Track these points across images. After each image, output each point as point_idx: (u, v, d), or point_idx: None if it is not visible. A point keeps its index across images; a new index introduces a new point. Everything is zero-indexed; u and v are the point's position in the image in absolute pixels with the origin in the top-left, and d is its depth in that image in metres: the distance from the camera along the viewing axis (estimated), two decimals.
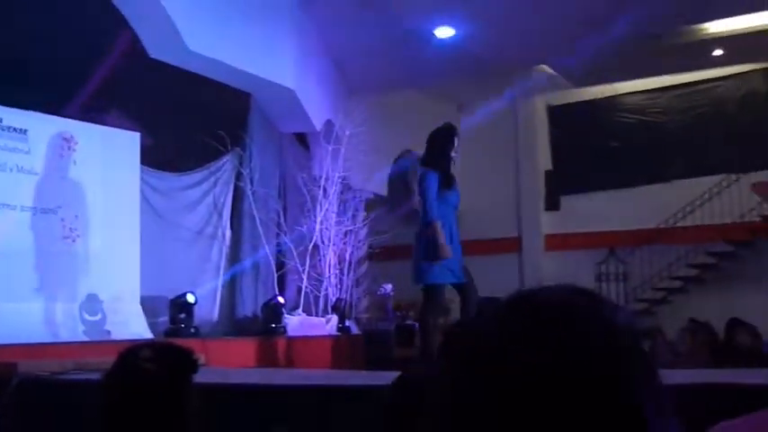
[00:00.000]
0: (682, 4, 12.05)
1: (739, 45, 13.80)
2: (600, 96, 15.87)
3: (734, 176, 14.06)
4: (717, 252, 14.45)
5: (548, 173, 16.62)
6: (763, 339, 10.33)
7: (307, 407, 5.25)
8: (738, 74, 15.25)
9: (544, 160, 16.65)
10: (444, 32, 12.13)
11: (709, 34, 13.65)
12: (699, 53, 14.15)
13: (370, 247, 13.21)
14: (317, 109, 12.19)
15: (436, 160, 7.19)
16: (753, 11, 12.76)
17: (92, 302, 8.95)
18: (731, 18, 13.06)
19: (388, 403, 3.14)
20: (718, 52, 14.31)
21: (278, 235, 11.97)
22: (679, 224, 14.52)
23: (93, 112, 9.29)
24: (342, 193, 12.48)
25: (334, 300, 12.12)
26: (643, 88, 15.89)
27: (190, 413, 2.32)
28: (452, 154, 7.17)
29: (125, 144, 9.63)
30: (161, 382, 2.27)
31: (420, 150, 15.64)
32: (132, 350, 2.34)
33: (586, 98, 16.06)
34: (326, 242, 12.19)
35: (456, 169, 17.03)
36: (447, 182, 7.13)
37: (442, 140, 7.27)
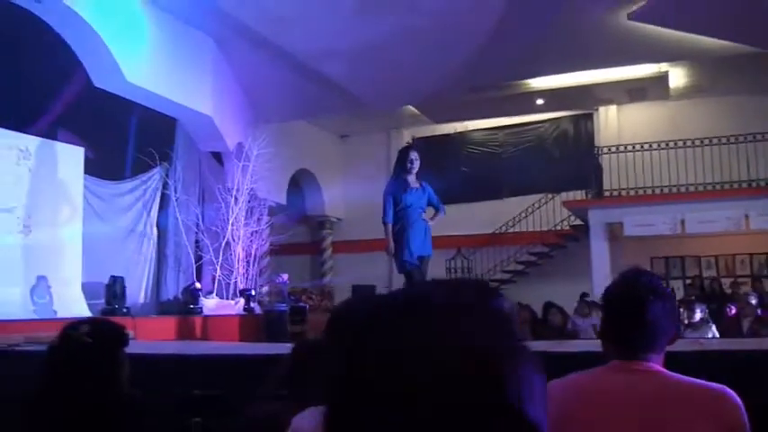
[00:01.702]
0: (513, 65, 12.36)
1: (555, 97, 14.22)
2: (453, 132, 16.02)
3: (550, 195, 14.40)
4: (537, 252, 14.74)
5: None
6: (569, 318, 10.72)
7: (219, 372, 5.19)
8: (554, 118, 15.66)
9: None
10: (333, 76, 12.00)
11: (533, 88, 13.98)
12: (526, 102, 14.50)
13: (270, 244, 13.07)
14: (230, 132, 11.98)
15: (397, 171, 6.92)
16: (564, 72, 13.21)
17: (41, 287, 8.59)
18: (549, 77, 13.46)
19: (287, 363, 3.17)
20: (539, 101, 14.62)
21: (197, 233, 11.72)
22: (509, 231, 14.75)
23: (46, 130, 8.98)
24: (249, 201, 12.22)
25: (241, 286, 11.93)
26: (485, 126, 16.12)
27: (122, 379, 2.25)
28: (408, 165, 6.79)
29: (72, 157, 9.30)
30: (97, 353, 2.18)
31: (311, 168, 15.80)
32: (73, 325, 2.26)
33: (443, 132, 16.17)
34: (236, 240, 11.96)
35: (340, 186, 17.04)
36: (403, 187, 6.78)
37: (400, 155, 6.99)
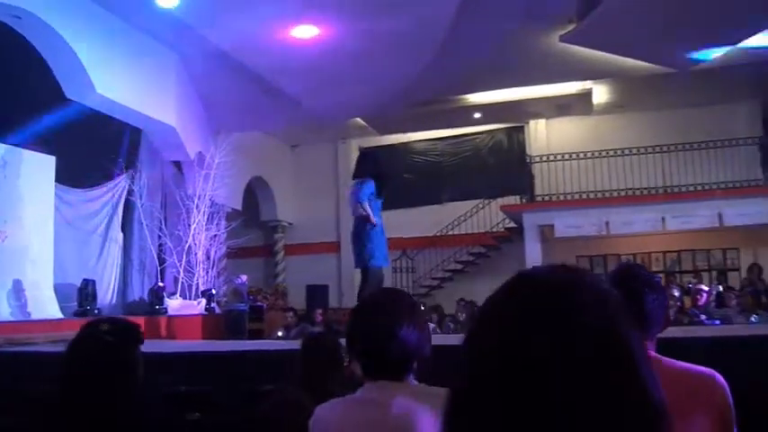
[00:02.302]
0: (453, 82, 12.53)
1: (491, 110, 14.46)
2: (397, 142, 16.11)
3: (487, 200, 14.68)
4: (475, 253, 14.96)
5: None
6: None
7: (185, 368, 5.18)
8: (490, 130, 15.92)
9: None
10: (287, 91, 12.02)
11: (470, 103, 14.21)
12: (464, 115, 14.71)
13: (228, 248, 12.93)
14: (191, 142, 11.81)
15: (372, 173, 6.71)
16: (500, 88, 13.47)
17: (16, 290, 8.29)
18: (486, 92, 13.71)
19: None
20: (477, 115, 14.84)
21: (160, 237, 11.55)
22: (450, 233, 14.92)
23: (19, 140, 8.65)
24: (210, 207, 12.08)
25: (203, 288, 11.79)
26: (426, 138, 16.26)
27: (140, 377, 2.17)
28: (381, 170, 6.75)
29: (43, 165, 9.02)
30: (118, 351, 2.10)
31: (264, 176, 15.67)
32: (93, 324, 2.17)
33: (388, 143, 16.18)
34: (197, 244, 11.83)
35: (291, 193, 16.95)
36: (378, 192, 6.64)
37: (372, 160, 6.85)
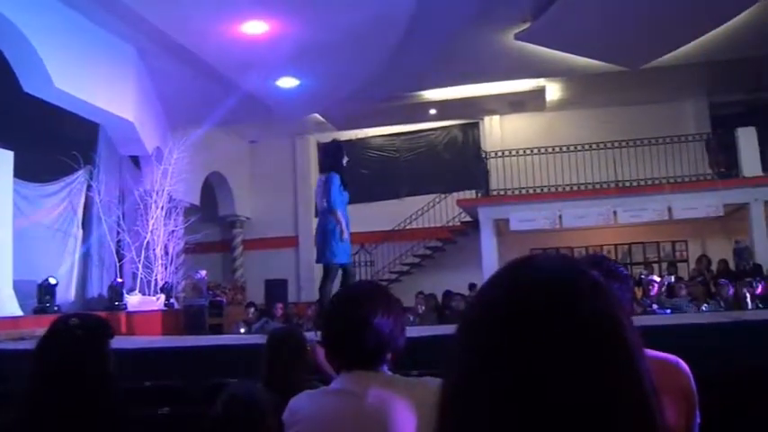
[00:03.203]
0: (409, 79, 12.80)
1: (446, 107, 14.75)
2: (355, 138, 16.20)
3: (443, 195, 14.90)
4: (432, 246, 15.20)
5: (316, 189, 16.63)
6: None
7: (143, 364, 5.22)
8: (445, 126, 16.20)
9: (314, 181, 16.30)
10: (243, 86, 12.05)
11: (426, 99, 14.45)
12: (420, 111, 14.96)
13: (186, 243, 12.91)
14: (149, 137, 11.78)
15: (336, 167, 6.58)
16: (455, 85, 13.76)
17: None
18: (441, 89, 13.97)
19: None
20: (433, 111, 15.09)
21: (119, 233, 11.52)
22: (407, 227, 15.11)
23: None
24: (168, 202, 12.07)
25: (162, 283, 11.78)
26: (383, 133, 16.44)
27: (111, 372, 2.12)
28: (344, 161, 6.63)
29: (1, 160, 8.98)
30: (88, 345, 2.06)
31: (222, 172, 15.61)
32: (62, 319, 2.13)
33: (345, 138, 15.88)
34: (156, 239, 11.81)
35: (249, 188, 16.93)
36: (344, 184, 6.58)
37: (335, 153, 6.69)
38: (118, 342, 6.16)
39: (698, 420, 1.85)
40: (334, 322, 1.89)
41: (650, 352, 1.84)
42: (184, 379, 4.79)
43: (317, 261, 6.84)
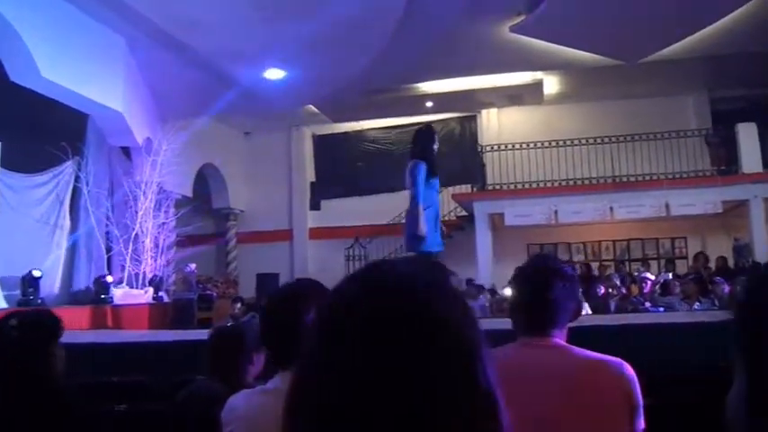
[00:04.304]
0: (406, 71, 12.81)
1: (443, 100, 14.71)
2: (351, 130, 16.24)
3: (439, 189, 14.83)
4: None
5: (312, 183, 16.79)
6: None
7: (132, 359, 5.18)
8: (441, 119, 16.02)
9: (309, 174, 16.78)
10: (238, 77, 12.08)
11: (423, 92, 14.42)
12: (417, 104, 14.91)
13: (177, 236, 12.94)
14: (139, 128, 11.79)
15: (423, 154, 6.29)
16: (452, 77, 13.74)
17: None
18: (438, 81, 13.94)
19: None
20: (429, 104, 15.03)
21: (107, 225, 11.54)
22: (403, 221, 14.84)
23: None
24: (158, 194, 12.10)
25: (150, 276, 11.82)
26: (379, 126, 16.37)
27: (56, 373, 2.08)
28: (434, 148, 6.35)
29: None
30: (25, 346, 2.01)
31: (216, 163, 15.59)
32: (2, 319, 2.10)
33: (341, 131, 16.37)
34: (145, 232, 11.85)
35: (244, 180, 16.88)
36: (432, 171, 6.27)
37: (425, 138, 6.41)
38: (95, 336, 6.05)
39: (641, 426, 1.85)
40: (265, 323, 1.91)
41: (593, 355, 1.89)
42: (152, 375, 4.73)
43: (407, 250, 6.58)
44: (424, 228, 6.08)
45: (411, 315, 0.69)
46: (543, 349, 1.92)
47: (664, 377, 3.25)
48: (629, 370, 1.86)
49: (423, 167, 6.16)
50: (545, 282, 1.95)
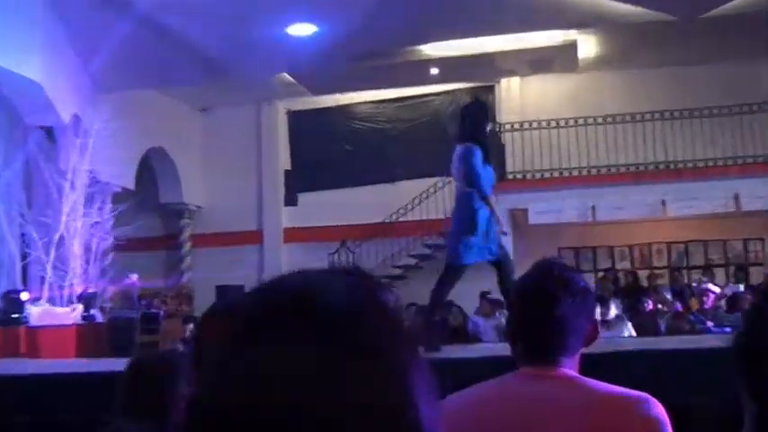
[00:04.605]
0: (404, 29, 12.47)
1: (451, 66, 14.46)
2: (335, 105, 16.10)
3: (447, 179, 14.61)
4: (432, 244, 14.81)
5: (287, 172, 16.74)
6: (469, 318, 10.94)
7: (45, 394, 5.17)
8: (450, 91, 15.95)
9: (283, 160, 16.77)
10: (187, 37, 11.88)
11: (426, 56, 14.19)
12: (418, 71, 14.66)
13: (115, 238, 12.71)
14: (64, 103, 11.56)
15: (475, 136, 6.46)
16: (462, 37, 13.45)
17: None
18: (445, 42, 13.69)
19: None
20: (434, 71, 14.83)
21: (22, 225, 11.35)
22: (401, 220, 14.93)
23: None
24: (89, 186, 11.93)
25: (79, 290, 11.58)
26: (371, 99, 16.30)
27: None
28: (487, 127, 6.55)
29: None
30: None
31: (166, 147, 15.56)
32: None
33: (323, 106, 16.25)
34: (72, 233, 11.67)
35: (201, 169, 16.95)
36: (486, 157, 6.44)
37: (477, 116, 6.59)
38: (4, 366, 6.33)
39: None
40: None
41: (611, 388, 1.89)
42: (71, 414, 4.86)
43: (450, 259, 6.77)
44: (501, 223, 6.48)
45: (325, 344, 0.71)
46: (548, 381, 1.93)
47: (710, 420, 3.23)
48: (657, 408, 1.84)
49: (479, 152, 6.35)
50: (550, 295, 1.94)
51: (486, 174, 6.46)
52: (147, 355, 3.49)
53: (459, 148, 6.53)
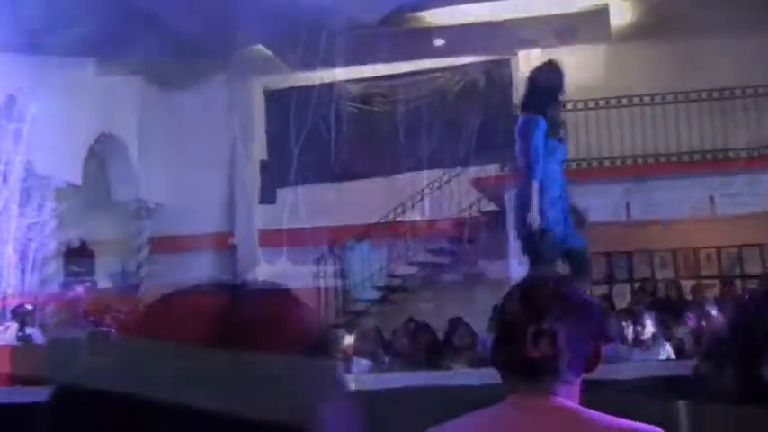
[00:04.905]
0: None
1: (460, 35, 14.49)
2: (319, 82, 15.92)
3: (454, 171, 14.78)
4: (436, 249, 15.03)
5: (263, 163, 16.82)
6: (478, 338, 10.96)
7: None
8: (458, 65, 16.03)
9: (259, 149, 16.83)
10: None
11: (429, 24, 14.33)
12: (420, 42, 14.78)
13: (60, 243, 12.82)
14: None
15: (542, 104, 6.53)
16: (472, 1, 13.62)
17: None
18: (452, 7, 13.83)
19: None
20: (439, 42, 14.95)
21: None
22: (399, 220, 15.01)
23: None
24: (26, 180, 12.14)
25: (13, 305, 11.63)
26: (364, 76, 16.29)
27: None
28: (560, 96, 6.67)
29: None
30: None
31: (119, 134, 15.53)
32: None
33: (305, 84, 16.13)
34: (6, 237, 11.91)
35: (162, 159, 16.93)
36: (554, 131, 6.51)
37: (547, 81, 6.63)
38: None
39: None
40: None
41: (612, 420, 1.93)
42: None
43: (524, 251, 6.87)
44: (536, 213, 6.29)
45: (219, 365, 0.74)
46: (540, 413, 1.96)
47: None
48: None
49: (542, 124, 6.35)
50: (542, 313, 1.97)
51: (551, 152, 6.49)
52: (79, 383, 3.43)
53: (520, 119, 6.65)
